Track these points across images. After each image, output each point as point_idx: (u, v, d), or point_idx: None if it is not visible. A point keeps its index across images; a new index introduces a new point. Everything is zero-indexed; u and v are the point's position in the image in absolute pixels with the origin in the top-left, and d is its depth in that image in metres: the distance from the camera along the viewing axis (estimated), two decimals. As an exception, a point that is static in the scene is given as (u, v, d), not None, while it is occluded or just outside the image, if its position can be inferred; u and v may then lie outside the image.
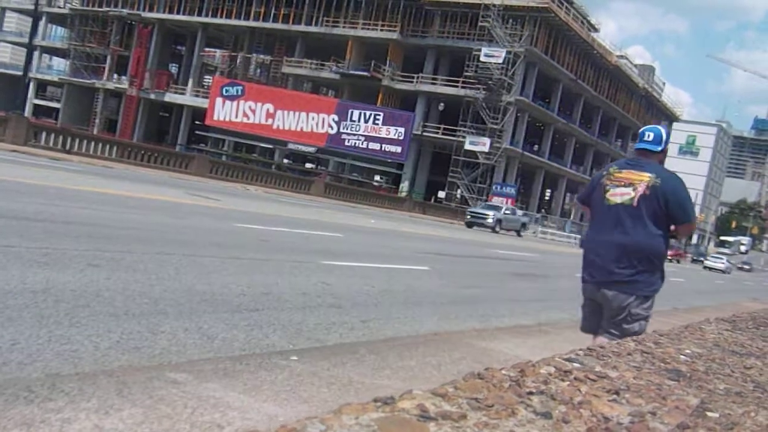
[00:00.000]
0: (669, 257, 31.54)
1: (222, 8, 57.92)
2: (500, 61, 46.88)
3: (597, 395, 1.42)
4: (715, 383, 1.75)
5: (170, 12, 60.45)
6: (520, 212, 42.54)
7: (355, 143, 50.91)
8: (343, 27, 52.51)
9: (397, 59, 52.18)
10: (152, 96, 61.01)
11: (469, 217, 37.17)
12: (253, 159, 52.75)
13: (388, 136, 49.83)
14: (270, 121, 53.56)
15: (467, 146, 48.21)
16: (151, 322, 4.06)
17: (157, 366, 3.33)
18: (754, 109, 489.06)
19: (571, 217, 63.21)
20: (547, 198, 67.33)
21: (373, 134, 50.22)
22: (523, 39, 47.86)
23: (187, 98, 60.34)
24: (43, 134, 24.07)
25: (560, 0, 50.00)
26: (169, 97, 61.25)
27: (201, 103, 57.65)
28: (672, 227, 3.76)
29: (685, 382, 1.70)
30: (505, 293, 10.19)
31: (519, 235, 38.66)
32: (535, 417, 1.21)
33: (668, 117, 79.53)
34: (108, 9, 62.26)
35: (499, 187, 49.12)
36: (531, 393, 1.35)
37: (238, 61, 59.85)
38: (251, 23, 56.51)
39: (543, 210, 59.75)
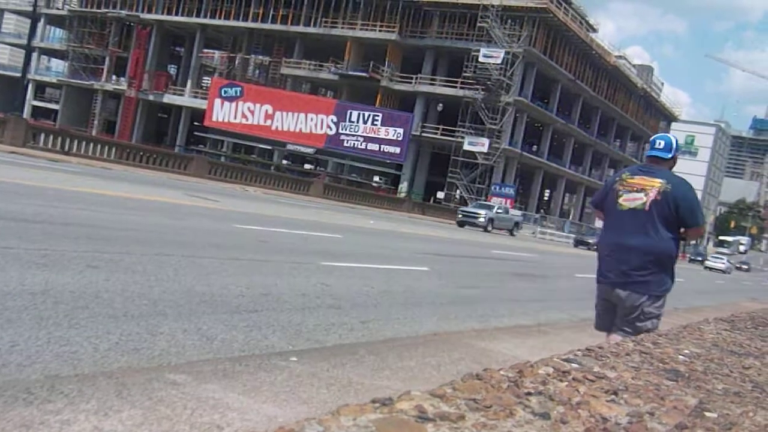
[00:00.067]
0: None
1: (220, 9, 57.91)
2: (499, 61, 46.90)
3: (595, 396, 1.42)
4: (714, 383, 1.75)
5: (169, 13, 60.43)
6: (513, 211, 42.18)
7: (354, 144, 50.92)
8: (342, 28, 52.52)
9: (396, 60, 52.19)
10: (151, 97, 61.00)
11: (460, 216, 36.32)
12: (252, 160, 52.72)
13: (387, 137, 49.85)
14: (269, 122, 53.57)
15: (466, 147, 48.21)
16: (150, 323, 4.06)
17: (156, 367, 3.33)
18: (752, 108, 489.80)
19: (570, 217, 63.27)
20: (546, 198, 67.36)
21: (372, 135, 50.24)
22: (521, 39, 47.89)
23: (185, 99, 60.33)
24: (42, 136, 24.06)
25: (559, 0, 50.04)
26: (168, 99, 61.24)
27: (200, 104, 57.64)
28: (682, 230, 3.94)
29: (684, 383, 1.70)
30: (505, 293, 10.19)
31: (512, 234, 37.98)
32: (533, 418, 1.21)
33: (667, 117, 79.60)
34: (106, 10, 62.23)
35: (498, 187, 49.13)
36: (529, 394, 1.36)
37: (236, 62, 59.85)
38: (250, 24, 56.51)
39: (542, 210, 59.77)
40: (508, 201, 47.60)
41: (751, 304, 14.67)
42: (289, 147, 53.38)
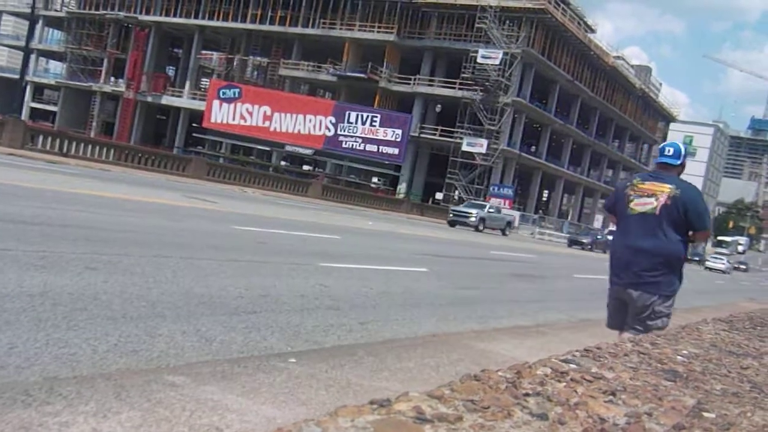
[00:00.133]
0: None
1: (219, 11, 57.89)
2: (497, 62, 46.91)
3: (593, 396, 1.42)
4: (712, 384, 1.75)
5: (167, 15, 60.41)
6: (506, 211, 41.89)
7: (353, 145, 50.91)
8: (340, 29, 52.52)
9: (394, 61, 52.19)
10: (149, 99, 60.96)
11: (451, 215, 35.84)
12: (251, 161, 52.72)
13: (386, 138, 49.85)
14: (267, 123, 53.56)
15: (464, 147, 48.21)
16: (149, 325, 4.06)
17: (155, 369, 3.33)
18: (750, 109, 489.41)
19: (569, 217, 63.29)
20: (544, 199, 67.38)
21: (371, 136, 50.23)
22: (519, 40, 47.92)
23: (184, 101, 60.29)
24: (40, 137, 24.06)
25: (557, 1, 50.06)
26: (166, 100, 61.21)
27: (198, 105, 57.60)
28: (690, 233, 4.12)
29: (682, 383, 1.70)
30: (504, 294, 10.19)
31: (504, 234, 37.49)
32: (531, 418, 1.21)
33: (665, 117, 79.68)
34: (105, 12, 62.20)
35: (496, 188, 49.15)
36: (527, 394, 1.36)
37: (235, 64, 59.85)
38: (248, 26, 56.50)
39: (540, 211, 59.79)
40: (507, 201, 47.63)
41: (750, 304, 14.67)
42: (288, 148, 53.37)
